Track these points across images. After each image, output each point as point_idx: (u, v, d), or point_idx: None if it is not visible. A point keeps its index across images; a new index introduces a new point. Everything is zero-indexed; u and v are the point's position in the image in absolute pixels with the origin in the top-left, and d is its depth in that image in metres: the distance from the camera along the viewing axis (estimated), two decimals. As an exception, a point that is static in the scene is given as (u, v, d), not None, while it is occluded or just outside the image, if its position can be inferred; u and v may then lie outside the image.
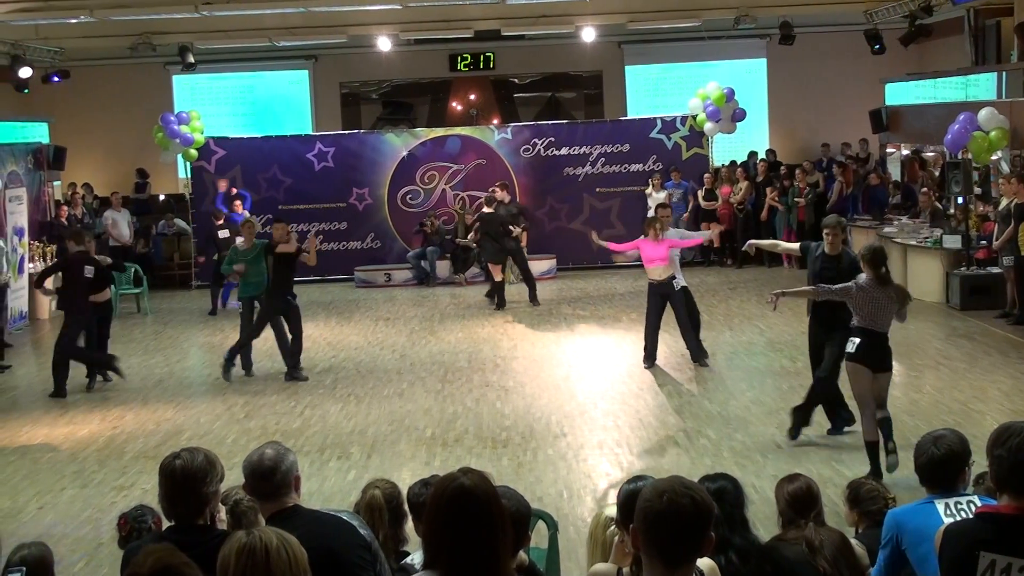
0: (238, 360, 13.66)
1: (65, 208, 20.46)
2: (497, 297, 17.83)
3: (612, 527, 4.50)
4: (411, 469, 9.59)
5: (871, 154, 23.20)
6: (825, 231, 10.21)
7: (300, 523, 4.09)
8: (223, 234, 18.41)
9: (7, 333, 16.37)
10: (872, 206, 20.30)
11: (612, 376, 13.02)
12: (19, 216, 18.37)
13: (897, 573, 4.82)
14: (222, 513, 5.15)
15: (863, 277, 9.08)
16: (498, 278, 17.89)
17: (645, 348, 13.28)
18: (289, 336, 13.37)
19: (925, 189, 19.10)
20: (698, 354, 13.19)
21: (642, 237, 13.13)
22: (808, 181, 21.23)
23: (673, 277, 12.90)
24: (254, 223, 14.72)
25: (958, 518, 4.60)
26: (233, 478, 4.85)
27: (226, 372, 13.53)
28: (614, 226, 21.47)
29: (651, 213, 17.39)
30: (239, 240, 14.79)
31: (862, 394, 9.07)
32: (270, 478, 4.30)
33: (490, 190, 18.92)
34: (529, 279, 18.06)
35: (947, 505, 4.73)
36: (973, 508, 4.68)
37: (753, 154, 23.41)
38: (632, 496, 3.95)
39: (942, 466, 4.76)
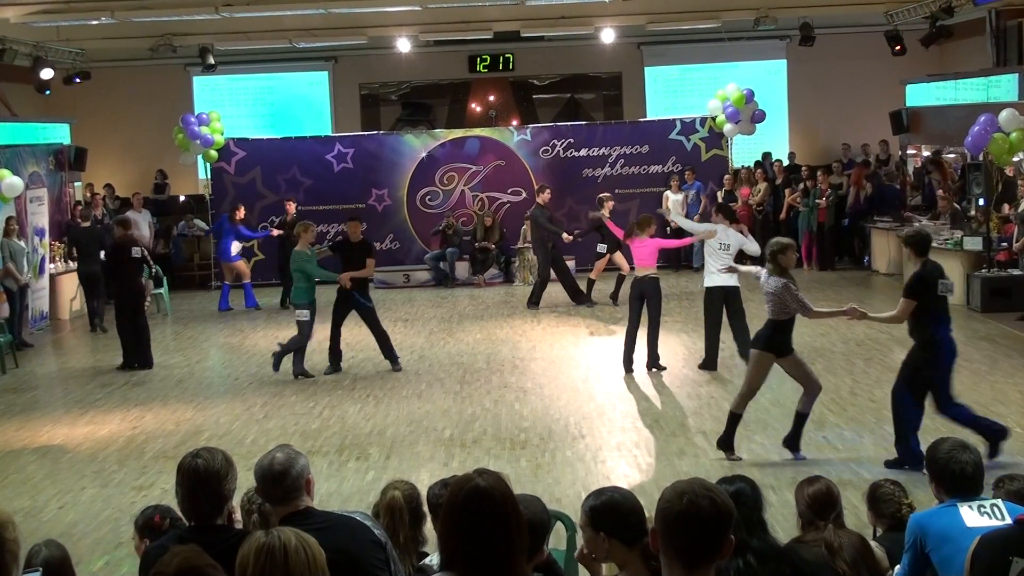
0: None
1: (80, 207, 20.44)
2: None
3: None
4: (429, 470, 9.61)
5: (891, 156, 23.10)
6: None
7: (315, 525, 4.07)
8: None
9: (29, 333, 16.49)
10: (885, 207, 20.22)
11: (631, 378, 12.99)
12: (40, 217, 18.46)
13: (921, 575, 4.83)
14: (237, 513, 5.16)
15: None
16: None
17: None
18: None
19: (942, 191, 19.01)
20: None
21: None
22: (832, 183, 21.13)
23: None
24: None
25: (983, 519, 4.64)
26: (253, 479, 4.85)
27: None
28: (633, 228, 21.46)
29: (668, 214, 17.47)
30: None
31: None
32: (281, 482, 4.27)
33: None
34: (561, 280, 18.10)
35: (970, 507, 4.75)
36: (998, 511, 4.70)
37: (775, 157, 23.32)
38: (601, 507, 3.94)
39: (974, 480, 4.89)
